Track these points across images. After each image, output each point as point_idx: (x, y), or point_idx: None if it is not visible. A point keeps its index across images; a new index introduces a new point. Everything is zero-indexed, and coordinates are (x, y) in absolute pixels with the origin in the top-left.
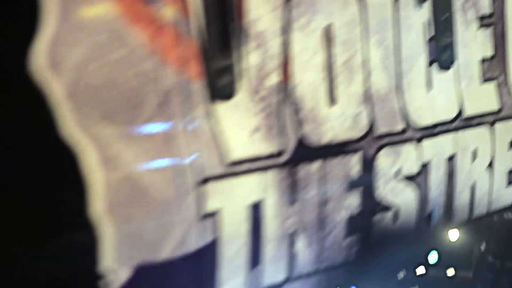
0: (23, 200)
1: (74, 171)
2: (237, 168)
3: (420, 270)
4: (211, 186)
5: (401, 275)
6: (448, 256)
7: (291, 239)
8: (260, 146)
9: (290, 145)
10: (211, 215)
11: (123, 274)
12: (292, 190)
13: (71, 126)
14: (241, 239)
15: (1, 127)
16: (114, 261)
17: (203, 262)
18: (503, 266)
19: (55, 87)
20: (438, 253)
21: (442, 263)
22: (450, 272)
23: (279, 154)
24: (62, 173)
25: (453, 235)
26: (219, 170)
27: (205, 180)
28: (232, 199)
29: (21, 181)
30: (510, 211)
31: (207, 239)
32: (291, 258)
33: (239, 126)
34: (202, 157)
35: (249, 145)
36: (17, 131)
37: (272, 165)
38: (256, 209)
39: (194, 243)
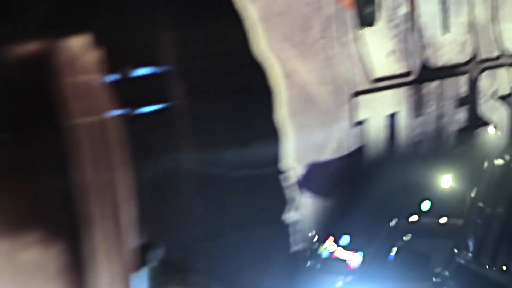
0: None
1: (265, 83)
2: (378, 84)
3: (413, 218)
4: (360, 99)
5: (393, 223)
6: (441, 205)
7: (416, 147)
8: (394, 67)
9: (416, 67)
10: (360, 123)
11: (299, 170)
12: (417, 105)
13: (262, 45)
14: (381, 145)
15: (208, 44)
16: (293, 160)
17: (354, 164)
18: (494, 212)
19: (251, 12)
20: (431, 201)
21: (435, 212)
22: (443, 220)
23: (408, 74)
24: (257, 84)
25: (445, 182)
26: (365, 85)
27: (356, 94)
28: (375, 111)
29: (221, 89)
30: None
31: (357, 144)
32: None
33: (379, 49)
34: (353, 74)
35: (386, 65)
36: (221, 48)
37: (403, 83)
38: (392, 120)
39: (348, 147)
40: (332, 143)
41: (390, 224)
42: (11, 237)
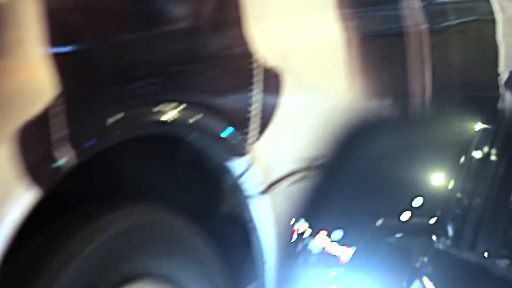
0: None
1: (491, 12)
2: None
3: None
4: None
5: (379, 222)
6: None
7: None
8: None
9: None
10: None
11: (505, 75)
12: None
13: None
14: None
15: None
16: (502, 67)
17: None
18: (472, 203)
19: None
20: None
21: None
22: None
23: None
24: (487, 15)
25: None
26: None
27: None
28: None
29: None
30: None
31: None
32: None
33: None
34: None
35: None
36: None
37: None
38: None
39: None
40: None
41: (377, 224)
42: (379, 100)
